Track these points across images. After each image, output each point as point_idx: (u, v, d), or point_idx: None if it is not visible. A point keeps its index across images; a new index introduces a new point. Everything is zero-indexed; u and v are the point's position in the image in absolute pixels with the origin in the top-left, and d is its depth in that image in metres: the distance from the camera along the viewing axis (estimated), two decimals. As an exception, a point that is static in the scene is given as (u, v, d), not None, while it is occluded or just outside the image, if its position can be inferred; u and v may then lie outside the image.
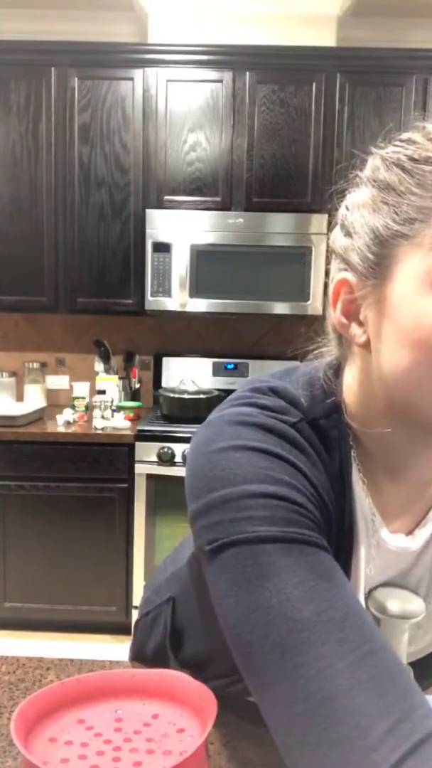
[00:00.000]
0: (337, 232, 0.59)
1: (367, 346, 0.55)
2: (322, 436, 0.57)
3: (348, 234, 0.56)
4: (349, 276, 0.55)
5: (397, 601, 0.61)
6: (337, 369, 0.61)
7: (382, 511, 0.60)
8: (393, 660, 0.46)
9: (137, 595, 2.59)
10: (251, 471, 0.52)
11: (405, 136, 0.54)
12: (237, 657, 0.50)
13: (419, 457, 0.58)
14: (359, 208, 0.55)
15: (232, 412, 0.57)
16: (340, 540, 0.58)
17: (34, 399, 3.00)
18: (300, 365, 0.65)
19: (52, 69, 2.68)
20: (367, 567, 0.61)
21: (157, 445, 2.52)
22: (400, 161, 0.52)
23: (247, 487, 0.51)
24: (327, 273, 0.61)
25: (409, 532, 0.62)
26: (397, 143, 0.54)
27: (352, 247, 0.55)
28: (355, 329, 0.56)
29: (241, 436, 0.54)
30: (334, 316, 0.57)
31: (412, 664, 0.66)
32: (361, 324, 0.55)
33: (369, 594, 0.63)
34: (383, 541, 0.60)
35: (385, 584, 0.63)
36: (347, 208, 0.57)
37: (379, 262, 0.52)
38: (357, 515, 0.59)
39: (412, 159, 0.52)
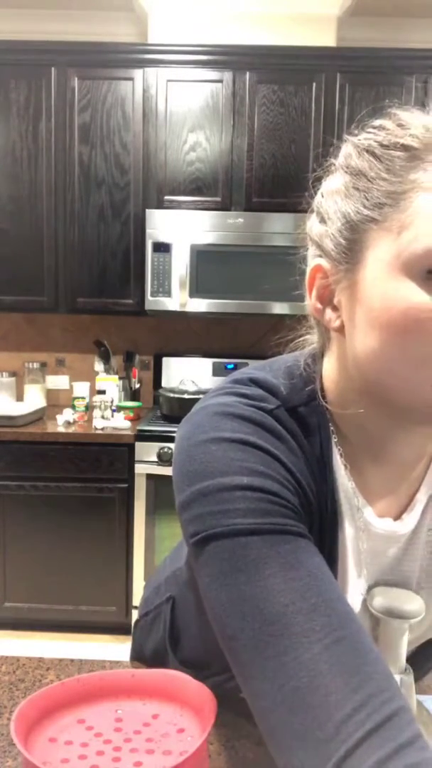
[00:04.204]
0: (313, 219, 0.59)
1: (341, 330, 0.56)
2: (301, 422, 0.58)
3: (322, 221, 0.57)
4: (324, 262, 0.56)
5: (396, 602, 0.61)
6: (317, 357, 0.62)
7: (366, 494, 0.61)
8: (359, 646, 0.46)
9: (137, 595, 2.59)
10: (227, 463, 0.53)
11: (377, 122, 0.55)
12: (223, 649, 0.51)
13: (399, 439, 0.58)
14: (332, 195, 0.56)
15: (211, 403, 0.58)
16: (323, 523, 0.58)
17: (34, 399, 3.00)
18: (281, 356, 0.66)
19: (52, 69, 2.68)
20: (361, 554, 0.61)
21: (157, 445, 2.52)
22: (371, 147, 0.53)
23: (222, 480, 0.52)
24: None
25: (398, 516, 0.62)
26: (369, 130, 0.55)
27: (326, 234, 0.56)
28: (329, 314, 0.57)
29: (218, 428, 0.55)
30: (310, 302, 0.58)
31: (411, 659, 0.66)
32: (335, 309, 0.56)
33: (368, 593, 0.63)
34: (371, 525, 0.61)
35: (385, 583, 0.63)
36: (322, 195, 0.58)
37: (351, 247, 0.53)
38: (340, 498, 0.60)
39: (382, 145, 0.52)
